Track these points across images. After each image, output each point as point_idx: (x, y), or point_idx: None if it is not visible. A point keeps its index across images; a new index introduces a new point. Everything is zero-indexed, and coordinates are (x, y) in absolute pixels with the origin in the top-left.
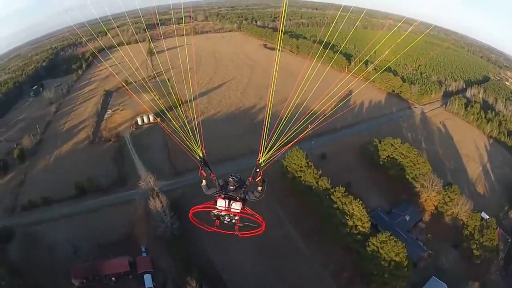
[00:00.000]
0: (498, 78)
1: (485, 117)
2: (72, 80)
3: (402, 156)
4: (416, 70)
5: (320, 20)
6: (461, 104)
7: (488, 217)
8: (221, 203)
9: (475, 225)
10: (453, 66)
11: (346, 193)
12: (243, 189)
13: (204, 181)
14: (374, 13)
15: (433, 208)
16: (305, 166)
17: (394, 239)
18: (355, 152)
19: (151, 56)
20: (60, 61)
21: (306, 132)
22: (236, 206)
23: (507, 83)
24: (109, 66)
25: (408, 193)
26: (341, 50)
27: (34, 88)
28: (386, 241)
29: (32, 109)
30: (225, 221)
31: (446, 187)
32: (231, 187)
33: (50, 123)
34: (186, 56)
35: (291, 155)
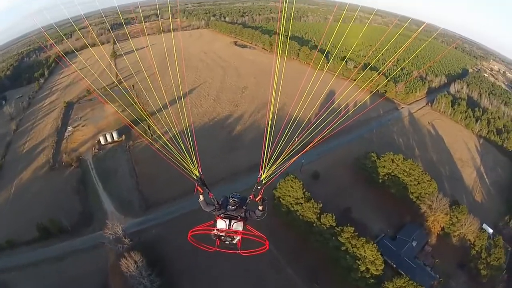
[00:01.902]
0: (476, 70)
1: (473, 115)
2: (34, 91)
3: (405, 174)
4: (396, 65)
5: (291, 14)
6: (448, 103)
7: (491, 230)
8: (221, 224)
9: (482, 244)
10: (430, 59)
11: (356, 233)
12: (244, 208)
13: (201, 196)
14: (343, 5)
15: (440, 229)
16: (303, 198)
17: (414, 283)
18: (349, 168)
19: (115, 59)
20: (24, 69)
21: (311, 146)
22: (238, 227)
23: (485, 74)
24: (74, 72)
25: (413, 215)
26: (316, 46)
27: None
28: (405, 286)
29: None
30: (226, 242)
31: (454, 207)
32: (232, 207)
33: (10, 144)
34: (151, 58)
35: (285, 185)
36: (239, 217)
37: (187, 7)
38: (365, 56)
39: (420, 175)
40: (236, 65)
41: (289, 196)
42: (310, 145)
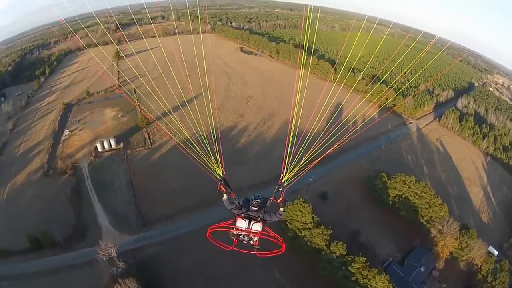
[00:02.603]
0: (482, 84)
1: (480, 132)
2: (33, 89)
3: (417, 197)
4: (403, 78)
5: (297, 21)
6: (456, 118)
7: (496, 252)
8: (241, 223)
9: (488, 269)
10: (437, 72)
11: (368, 263)
12: (264, 209)
13: (225, 195)
14: (349, 14)
15: (448, 253)
16: (312, 223)
17: None
18: (359, 187)
19: (117, 60)
20: (26, 65)
21: (333, 149)
22: (257, 227)
23: (490, 88)
24: (75, 72)
25: (423, 238)
26: (323, 55)
27: None
28: None
29: None
30: (244, 241)
31: (464, 232)
32: (254, 208)
33: (6, 144)
34: (155, 62)
35: (293, 209)
36: (259, 218)
37: (194, 10)
38: (373, 68)
39: (432, 198)
40: (241, 72)
41: (297, 221)
42: (332, 149)
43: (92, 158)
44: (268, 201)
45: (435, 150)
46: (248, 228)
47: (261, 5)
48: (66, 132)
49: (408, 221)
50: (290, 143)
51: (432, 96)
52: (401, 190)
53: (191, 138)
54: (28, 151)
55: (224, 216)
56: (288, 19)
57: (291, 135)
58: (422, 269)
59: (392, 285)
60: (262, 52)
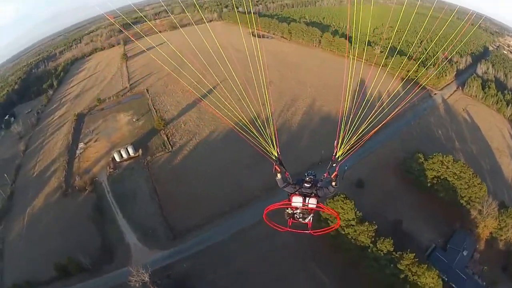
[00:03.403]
0: (496, 47)
1: (504, 98)
2: (42, 104)
3: (455, 177)
4: (419, 46)
5: None
6: (478, 86)
7: None
8: (297, 200)
9: None
10: (452, 38)
11: (417, 259)
12: (317, 185)
13: (279, 175)
14: None
15: (488, 234)
16: (354, 219)
17: None
18: (394, 171)
19: (126, 61)
20: (33, 81)
21: (385, 122)
22: (313, 201)
23: (504, 51)
24: (83, 80)
25: (463, 220)
26: (337, 31)
27: (5, 118)
28: None
29: (1, 149)
30: (299, 219)
31: (502, 211)
32: (307, 185)
33: (20, 167)
34: (165, 58)
35: (334, 206)
36: (313, 194)
37: (198, 1)
38: (387, 39)
39: (471, 178)
40: (256, 57)
41: (340, 219)
42: (384, 121)
43: (111, 170)
44: (322, 177)
45: (463, 121)
46: (305, 203)
47: None
48: (81, 145)
49: (447, 203)
50: (343, 119)
51: (452, 64)
52: (439, 171)
53: (245, 121)
54: (44, 171)
55: (256, 219)
56: None
57: (345, 111)
58: (465, 253)
59: (441, 278)
60: (274, 34)
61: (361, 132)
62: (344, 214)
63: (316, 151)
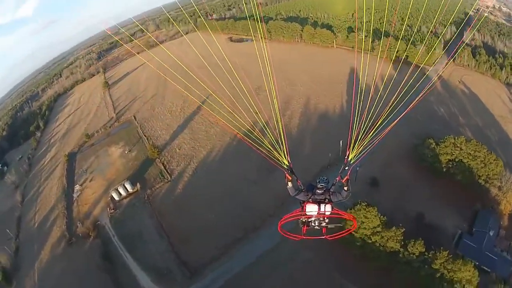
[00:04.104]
0: (475, 11)
1: (496, 62)
2: (32, 148)
3: (470, 157)
4: (402, 24)
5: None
6: (469, 54)
7: None
8: (311, 208)
9: None
10: (429, 9)
11: (451, 255)
12: (330, 190)
13: (290, 183)
14: None
15: (511, 209)
16: (380, 226)
17: None
18: (405, 161)
19: (108, 89)
20: (20, 124)
21: (400, 118)
22: (328, 208)
23: (486, 14)
24: (69, 116)
25: (483, 200)
26: (316, 22)
27: None
28: None
29: None
30: (315, 227)
31: None
32: (319, 191)
33: (21, 218)
34: (151, 77)
35: (357, 216)
36: (327, 200)
37: (171, 14)
38: (368, 22)
39: (486, 156)
40: (239, 63)
41: (364, 228)
42: (399, 118)
43: (112, 210)
44: (335, 181)
45: (462, 94)
46: (320, 211)
47: None
48: (77, 187)
49: (465, 185)
50: (354, 121)
51: (439, 37)
52: (453, 154)
53: (255, 130)
54: (44, 220)
55: (275, 240)
56: None
57: (356, 113)
58: (491, 233)
59: (477, 269)
60: (254, 36)
61: (375, 130)
62: (369, 222)
63: (322, 154)
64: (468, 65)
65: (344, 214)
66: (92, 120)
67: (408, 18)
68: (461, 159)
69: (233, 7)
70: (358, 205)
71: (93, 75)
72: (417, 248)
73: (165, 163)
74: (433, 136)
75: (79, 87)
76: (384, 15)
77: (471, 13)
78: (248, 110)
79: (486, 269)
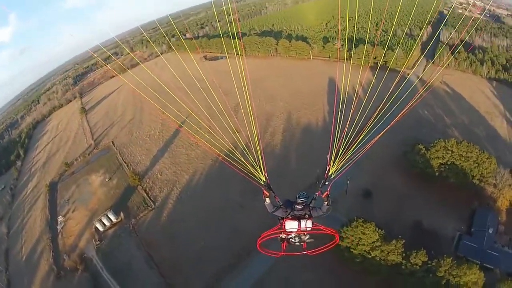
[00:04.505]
0: (448, 9)
1: (476, 58)
2: (14, 178)
3: (463, 159)
4: (377, 29)
5: (249, 10)
6: (448, 53)
7: None
8: (291, 225)
9: None
10: (401, 11)
11: (455, 261)
12: (310, 206)
13: (267, 199)
14: None
15: (508, 204)
16: (379, 240)
17: None
18: (396, 169)
19: (85, 115)
20: (0, 153)
21: (388, 128)
22: (309, 224)
23: (460, 10)
24: (47, 144)
25: (479, 199)
26: (290, 35)
27: None
28: None
29: None
30: (296, 243)
31: None
32: (299, 206)
33: (8, 251)
34: (126, 106)
35: (354, 233)
36: (307, 215)
37: (144, 36)
38: (343, 30)
39: (479, 156)
40: (215, 81)
41: (363, 244)
42: (388, 128)
43: (98, 242)
44: (315, 196)
45: (445, 94)
46: (301, 227)
47: (206, 9)
48: (60, 218)
49: (460, 186)
50: (334, 135)
51: (415, 39)
52: (445, 157)
53: (233, 149)
54: (31, 253)
55: (269, 263)
56: (239, 11)
57: (337, 126)
58: (491, 230)
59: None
60: (229, 53)
61: (357, 144)
62: (367, 238)
63: (309, 169)
64: (448, 65)
65: (326, 229)
66: (71, 148)
67: (383, 23)
68: (453, 162)
69: (206, 25)
70: (355, 222)
71: (70, 101)
72: (419, 259)
73: (147, 190)
74: (422, 140)
75: (57, 114)
76: (355, 22)
77: (445, 11)
78: (227, 129)
79: (489, 266)
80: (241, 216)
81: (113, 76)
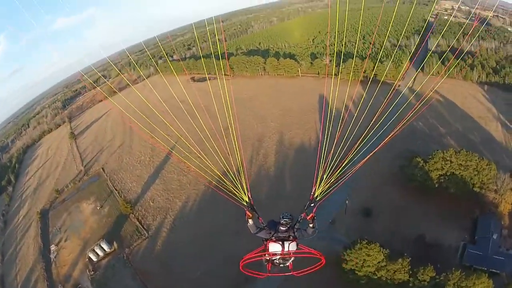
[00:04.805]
0: (435, 16)
1: (466, 64)
2: (6, 204)
3: (462, 168)
4: (364, 42)
5: (235, 29)
6: (437, 61)
7: None
8: (275, 247)
9: None
10: (389, 22)
11: (463, 273)
12: (295, 227)
13: (250, 221)
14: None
15: (510, 208)
16: (384, 260)
17: None
18: (393, 184)
19: (75, 140)
20: None
21: (381, 145)
22: (293, 247)
23: (445, 17)
24: (38, 170)
25: (481, 206)
26: (278, 53)
27: None
28: None
29: None
30: (280, 265)
31: None
32: (283, 228)
33: (3, 277)
34: (115, 130)
35: (358, 255)
36: (291, 237)
37: (131, 59)
38: (332, 45)
39: (478, 163)
40: (203, 103)
41: (368, 266)
42: (378, 148)
43: (92, 273)
44: (299, 218)
45: (437, 103)
46: (284, 250)
47: (191, 30)
48: (52, 247)
49: (460, 196)
50: (322, 155)
51: (403, 49)
52: (444, 168)
53: (215, 169)
54: (26, 282)
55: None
56: (225, 31)
57: (324, 146)
58: (495, 236)
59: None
60: (217, 73)
61: (345, 165)
62: (372, 260)
63: (305, 191)
64: (438, 73)
65: (311, 251)
66: (61, 174)
67: (369, 35)
68: (453, 172)
69: (193, 46)
70: (359, 244)
71: (59, 125)
72: (427, 274)
73: (140, 218)
74: (417, 152)
75: (47, 138)
76: (344, 36)
77: (431, 19)
78: (219, 153)
79: (495, 271)
80: (236, 242)
81: (101, 100)
